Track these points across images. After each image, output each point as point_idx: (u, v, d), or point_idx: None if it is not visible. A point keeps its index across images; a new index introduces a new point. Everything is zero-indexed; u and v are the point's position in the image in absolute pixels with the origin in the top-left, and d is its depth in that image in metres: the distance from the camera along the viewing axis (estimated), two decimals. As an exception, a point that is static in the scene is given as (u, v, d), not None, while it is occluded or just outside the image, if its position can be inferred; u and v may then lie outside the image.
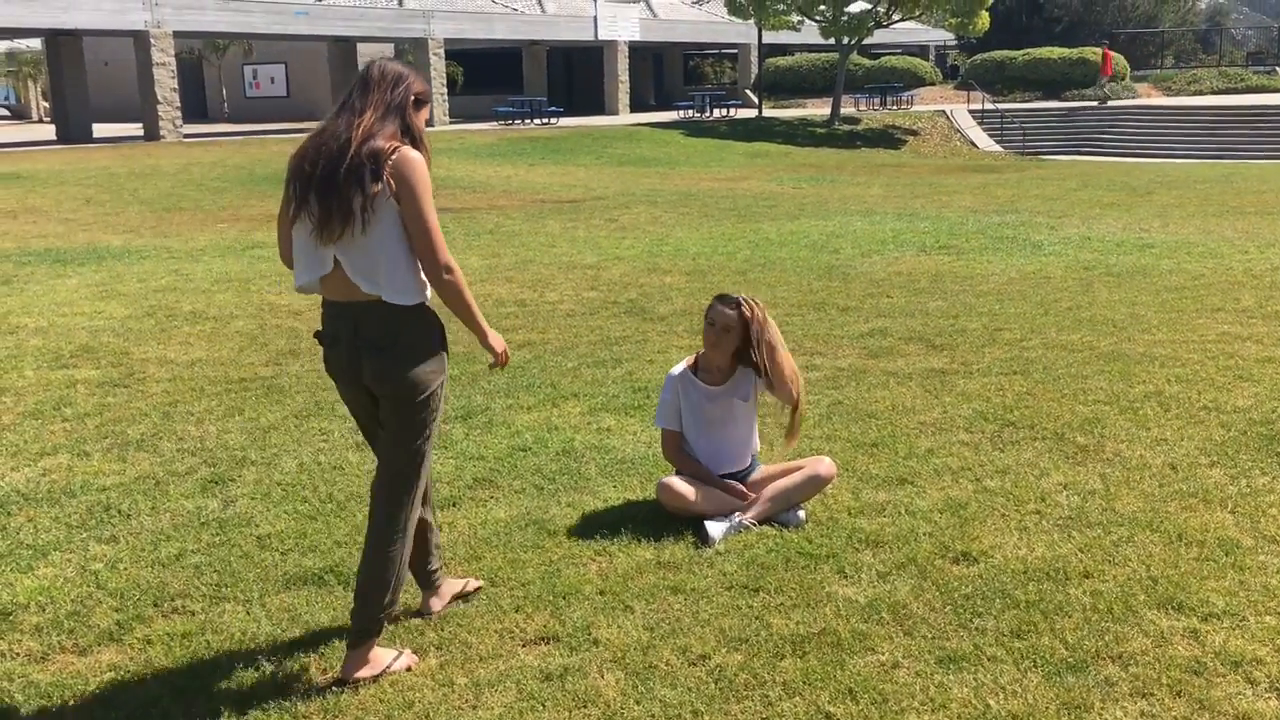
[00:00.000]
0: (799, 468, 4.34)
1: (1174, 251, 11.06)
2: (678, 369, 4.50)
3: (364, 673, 3.18)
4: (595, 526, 4.21)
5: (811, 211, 15.51)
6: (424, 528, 3.49)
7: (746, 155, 27.49)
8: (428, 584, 3.59)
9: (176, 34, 28.50)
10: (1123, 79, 37.54)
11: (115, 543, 4.21)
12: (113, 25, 27.52)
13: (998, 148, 31.15)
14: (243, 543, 4.17)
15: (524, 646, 3.37)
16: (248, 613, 3.61)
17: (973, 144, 31.63)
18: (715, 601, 3.60)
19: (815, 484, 4.28)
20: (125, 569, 3.97)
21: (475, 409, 5.81)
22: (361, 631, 3.20)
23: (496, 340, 3.36)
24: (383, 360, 3.13)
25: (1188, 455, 4.92)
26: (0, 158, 23.06)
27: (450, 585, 3.64)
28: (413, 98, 3.18)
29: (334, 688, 3.14)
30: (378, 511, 3.24)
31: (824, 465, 4.32)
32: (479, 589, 3.70)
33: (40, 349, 7.29)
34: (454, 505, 4.49)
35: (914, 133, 32.31)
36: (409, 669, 3.24)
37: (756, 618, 3.49)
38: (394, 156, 3.05)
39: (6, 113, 54.56)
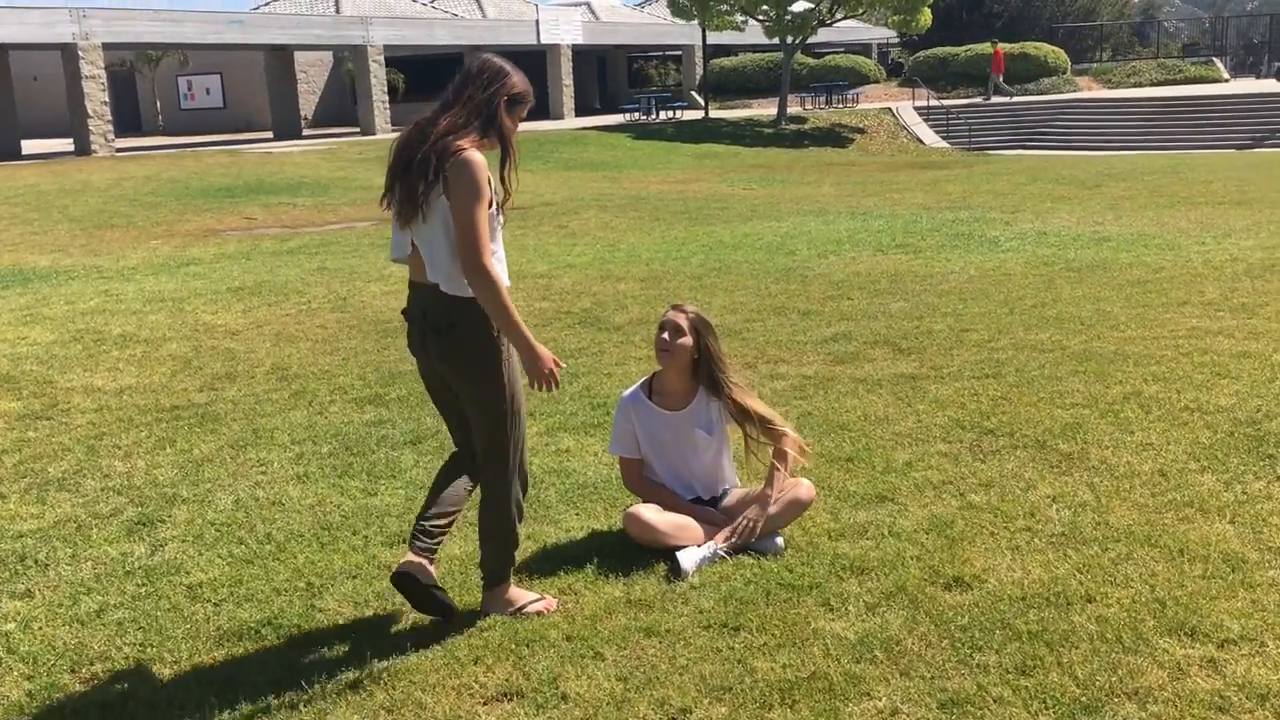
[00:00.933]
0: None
1: (1131, 244, 10.93)
2: (629, 393, 4.20)
3: (498, 610, 3.46)
4: (558, 561, 3.90)
5: (764, 213, 15.28)
6: (459, 496, 3.53)
7: (695, 157, 27.27)
8: (422, 544, 3.42)
9: (106, 46, 27.72)
10: (1064, 73, 37.81)
11: (30, 598, 3.83)
12: (39, 39, 26.70)
13: (944, 144, 31.17)
14: (171, 594, 3.80)
15: (485, 704, 3.05)
16: (175, 676, 3.25)
17: (919, 140, 31.64)
18: (693, 644, 3.29)
19: (794, 509, 3.97)
20: (40, 629, 3.60)
21: (425, 433, 5.46)
22: (491, 575, 3.49)
23: (542, 356, 3.26)
24: (441, 341, 3.31)
25: (1176, 460, 4.69)
26: (-76, 177, 22.23)
27: (432, 570, 3.43)
28: (506, 97, 3.26)
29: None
30: (483, 487, 3.45)
31: (803, 489, 4.01)
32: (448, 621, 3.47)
33: (-44, 380, 6.82)
34: (404, 540, 4.12)
35: (861, 131, 32.27)
36: (542, 613, 3.46)
37: (739, 661, 3.18)
38: (455, 156, 3.13)
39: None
